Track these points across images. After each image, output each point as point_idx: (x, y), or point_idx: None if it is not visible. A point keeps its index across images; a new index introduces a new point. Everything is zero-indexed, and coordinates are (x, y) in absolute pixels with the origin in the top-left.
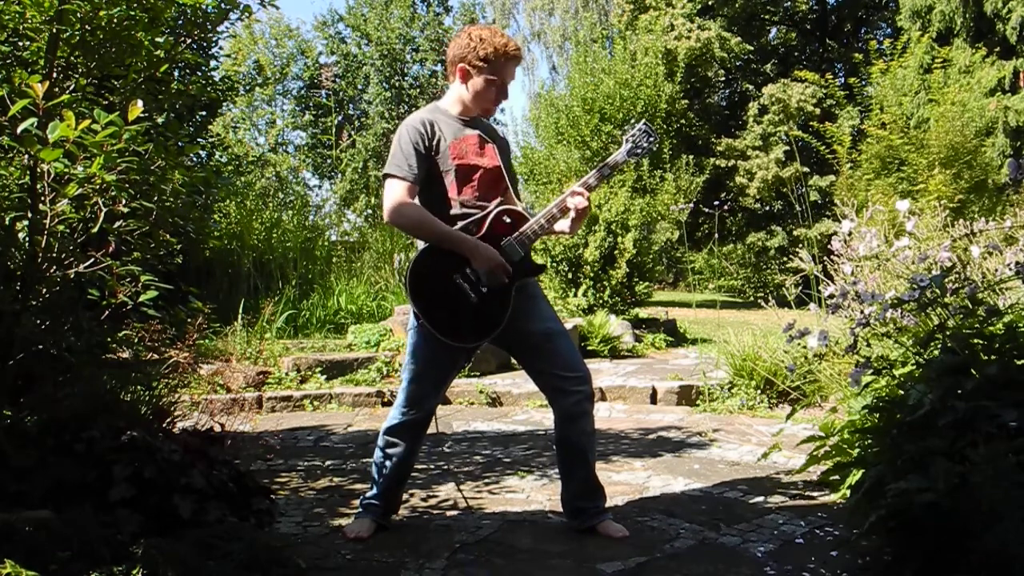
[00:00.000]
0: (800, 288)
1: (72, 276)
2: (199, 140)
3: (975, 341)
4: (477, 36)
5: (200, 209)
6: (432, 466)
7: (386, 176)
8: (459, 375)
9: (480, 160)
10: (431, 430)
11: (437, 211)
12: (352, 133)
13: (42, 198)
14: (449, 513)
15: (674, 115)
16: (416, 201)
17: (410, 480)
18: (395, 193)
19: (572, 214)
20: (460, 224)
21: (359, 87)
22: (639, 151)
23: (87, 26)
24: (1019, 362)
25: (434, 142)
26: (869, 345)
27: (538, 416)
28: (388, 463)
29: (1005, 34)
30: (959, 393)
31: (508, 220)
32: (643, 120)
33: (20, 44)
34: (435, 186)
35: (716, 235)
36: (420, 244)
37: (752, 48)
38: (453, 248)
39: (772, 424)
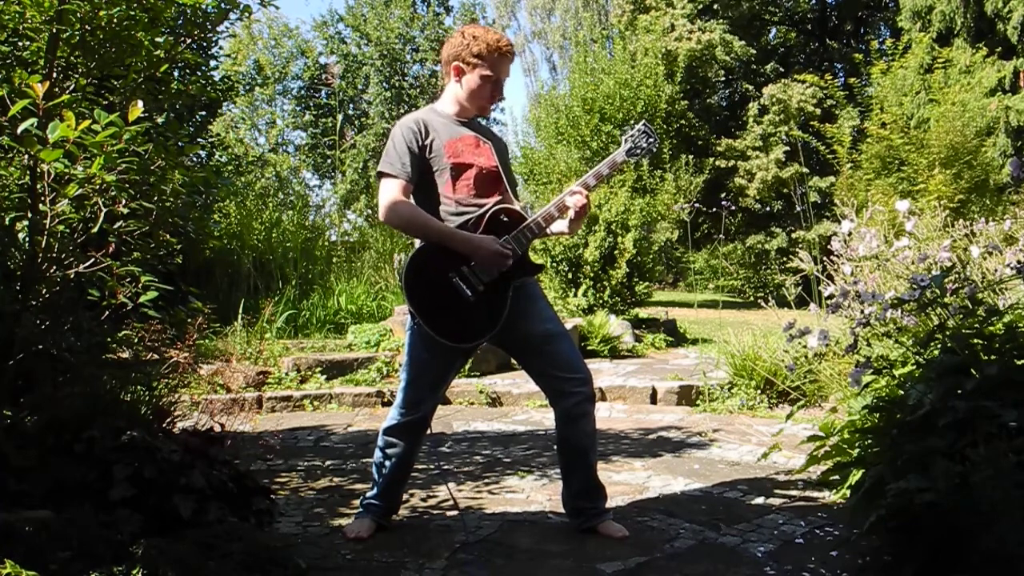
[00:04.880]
0: (800, 288)
1: (72, 276)
2: (199, 140)
3: (975, 341)
4: (470, 34)
5: (200, 209)
6: (432, 466)
7: (380, 175)
8: (459, 375)
9: (476, 159)
10: (431, 430)
11: (433, 210)
12: (353, 133)
13: (42, 198)
14: (449, 513)
15: (674, 115)
16: (411, 200)
17: (410, 480)
18: (389, 192)
19: (571, 214)
20: (457, 222)
21: (359, 87)
22: (638, 151)
23: (87, 26)
24: (1019, 362)
25: (427, 141)
26: (869, 345)
27: (538, 416)
28: (388, 463)
29: (1006, 34)
30: (959, 393)
31: (505, 219)
32: (643, 121)
33: (20, 44)
34: (431, 185)
35: (721, 235)
36: (418, 243)
37: (753, 49)
38: (448, 244)
39: (772, 424)
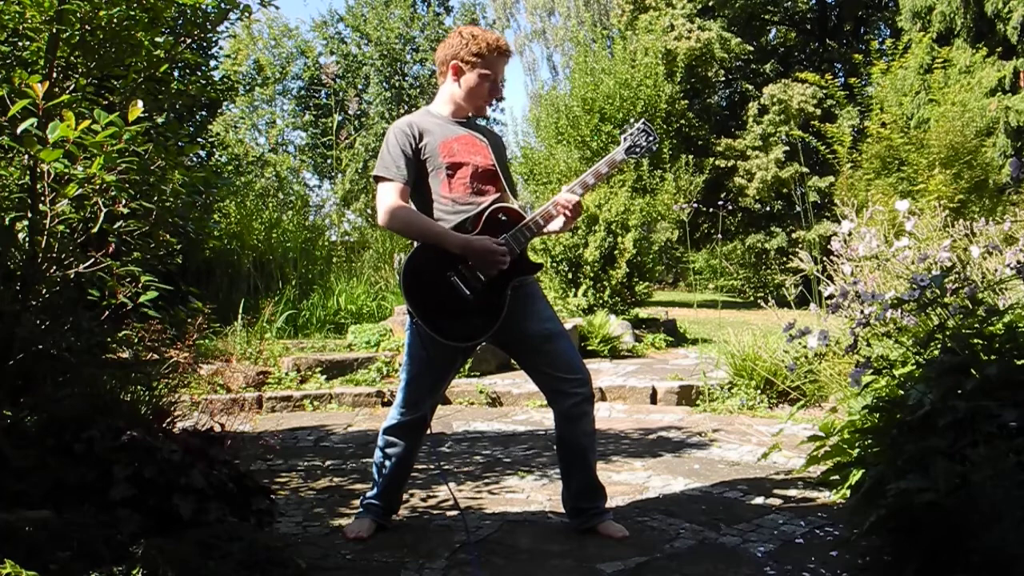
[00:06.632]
0: (800, 288)
1: (72, 276)
2: (199, 140)
3: (975, 341)
4: (469, 34)
5: (200, 209)
6: (432, 466)
7: (376, 179)
8: (459, 375)
9: (473, 158)
10: (431, 430)
11: (431, 210)
12: (352, 133)
13: (42, 198)
14: (449, 513)
15: (674, 115)
16: (408, 203)
17: (410, 480)
18: (386, 195)
19: (568, 213)
20: (454, 221)
21: (359, 87)
22: (637, 150)
23: (87, 26)
24: (1019, 362)
25: (422, 144)
26: (869, 345)
27: (538, 416)
28: (388, 463)
29: (1006, 34)
30: (959, 393)
31: (504, 218)
32: (642, 119)
33: (20, 44)
34: (427, 186)
35: (719, 236)
36: (416, 243)
37: (752, 48)
38: (445, 247)
39: (772, 424)
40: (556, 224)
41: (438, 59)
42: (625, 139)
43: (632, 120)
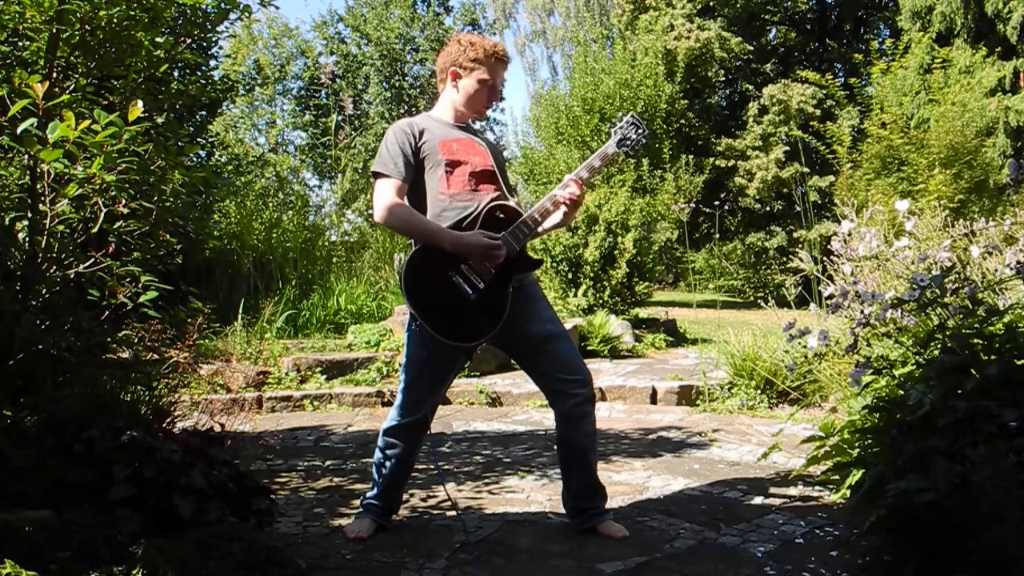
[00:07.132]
0: (800, 288)
1: (72, 276)
2: (199, 140)
3: (975, 341)
4: (467, 41)
5: (200, 209)
6: (432, 466)
7: (375, 175)
8: (459, 375)
9: (471, 158)
10: (431, 430)
11: (429, 207)
12: (351, 133)
13: (42, 198)
14: (449, 513)
15: (674, 115)
16: (405, 200)
17: (410, 480)
18: (384, 192)
19: (564, 207)
20: (452, 218)
21: (359, 87)
22: (628, 142)
23: (87, 26)
24: (1019, 362)
25: (422, 142)
26: (869, 345)
27: (538, 416)
28: (388, 463)
29: (1006, 34)
30: (959, 393)
31: (501, 215)
32: (631, 112)
33: (20, 44)
34: (425, 183)
35: (717, 235)
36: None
37: (752, 48)
38: (438, 244)
39: (772, 424)
40: (555, 218)
41: (438, 67)
42: (615, 132)
43: (621, 114)
